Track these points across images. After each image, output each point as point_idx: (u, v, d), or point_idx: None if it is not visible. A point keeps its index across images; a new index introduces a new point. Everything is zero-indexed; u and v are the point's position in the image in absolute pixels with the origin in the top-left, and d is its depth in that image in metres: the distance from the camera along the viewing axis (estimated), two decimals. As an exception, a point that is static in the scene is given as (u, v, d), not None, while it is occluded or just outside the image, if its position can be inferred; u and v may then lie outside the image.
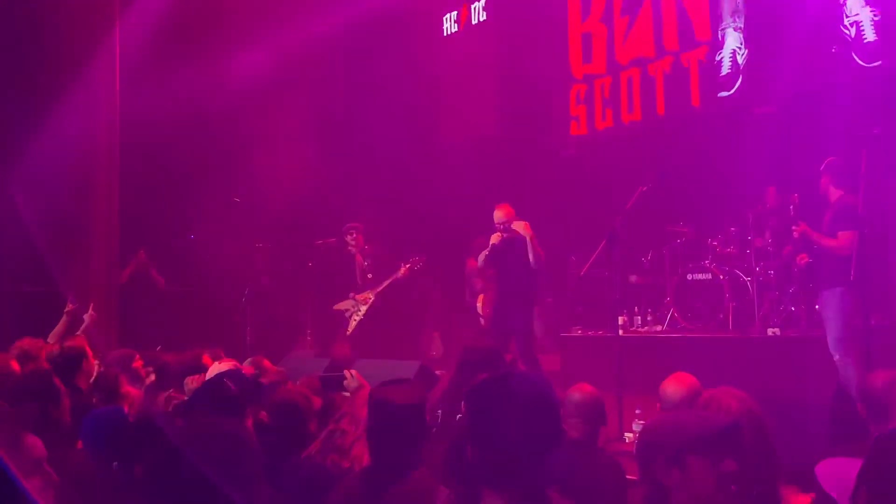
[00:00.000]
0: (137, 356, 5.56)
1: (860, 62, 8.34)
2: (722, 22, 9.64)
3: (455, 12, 12.91)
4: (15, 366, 4.78)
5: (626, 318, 9.36)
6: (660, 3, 10.28)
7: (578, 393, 3.89)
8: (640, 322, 9.48)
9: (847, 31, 8.43)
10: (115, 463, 2.84)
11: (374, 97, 12.20)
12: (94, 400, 4.62)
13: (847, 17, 8.42)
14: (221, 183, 11.38)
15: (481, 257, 7.69)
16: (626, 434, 5.59)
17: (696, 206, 9.48)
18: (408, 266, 9.21)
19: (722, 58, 9.64)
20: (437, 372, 6.51)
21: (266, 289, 11.12)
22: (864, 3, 8.30)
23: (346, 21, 13.01)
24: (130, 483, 2.87)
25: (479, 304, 9.89)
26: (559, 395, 4.04)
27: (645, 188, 6.15)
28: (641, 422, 5.21)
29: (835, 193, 6.42)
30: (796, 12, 8.89)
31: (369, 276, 9.43)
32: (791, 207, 6.61)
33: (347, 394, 4.13)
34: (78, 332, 6.50)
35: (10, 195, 9.51)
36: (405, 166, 12.14)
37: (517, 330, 7.37)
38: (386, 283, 9.28)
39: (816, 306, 6.70)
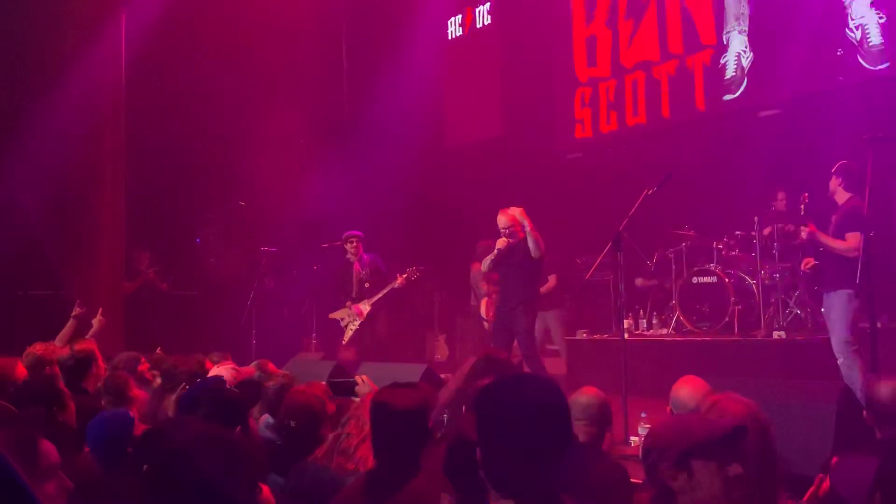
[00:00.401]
0: (143, 359, 5.57)
1: (865, 65, 8.34)
2: (726, 25, 9.64)
3: (460, 16, 12.93)
4: (21, 369, 4.79)
5: (631, 322, 9.36)
6: (664, 6, 10.29)
7: (584, 396, 3.88)
8: (645, 325, 9.48)
9: (852, 34, 8.42)
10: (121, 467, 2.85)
11: (380, 100, 12.21)
12: (102, 403, 4.64)
13: (852, 19, 8.42)
14: (227, 187, 11.41)
15: (485, 262, 7.69)
16: (632, 438, 5.58)
17: (702, 209, 9.48)
18: (405, 276, 9.24)
19: (727, 61, 9.65)
20: (442, 375, 6.53)
21: (271, 292, 11.14)
22: (869, 6, 8.30)
23: (352, 24, 13.07)
24: (136, 487, 2.88)
25: (482, 308, 9.89)
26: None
27: (650, 191, 6.14)
28: (647, 425, 5.20)
29: (843, 196, 6.42)
30: (801, 15, 8.89)
31: (367, 284, 9.46)
32: (802, 207, 6.60)
33: (357, 398, 4.13)
34: (87, 336, 6.52)
35: (16, 198, 9.55)
36: (410, 169, 12.15)
37: (520, 332, 7.37)
38: (382, 292, 9.32)
39: (822, 309, 6.69)
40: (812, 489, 2.94)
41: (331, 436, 3.52)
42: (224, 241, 11.70)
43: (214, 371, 5.13)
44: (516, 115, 11.91)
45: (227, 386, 4.27)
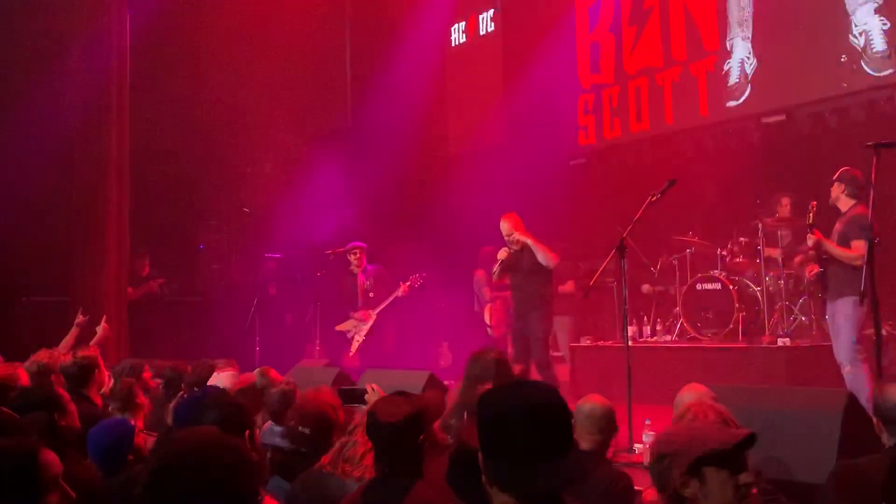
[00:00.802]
0: (147, 367, 5.57)
1: (869, 71, 8.33)
2: (730, 32, 9.64)
3: (463, 23, 12.96)
4: (23, 376, 4.79)
5: (635, 328, 9.34)
6: (668, 12, 10.30)
7: (589, 404, 3.88)
8: (649, 332, 9.46)
9: (856, 41, 8.42)
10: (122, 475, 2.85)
11: (383, 107, 12.22)
12: (108, 409, 4.65)
13: (856, 26, 8.42)
14: (231, 194, 11.43)
15: (495, 271, 7.72)
16: (636, 445, 5.57)
17: (706, 215, 9.47)
18: (408, 284, 9.25)
19: (730, 67, 9.65)
20: (446, 382, 6.52)
21: (275, 299, 11.14)
22: (873, 13, 8.29)
23: (355, 31, 13.09)
24: (135, 494, 2.87)
25: (486, 315, 9.89)
26: (569, 406, 4.04)
27: (654, 197, 6.13)
28: (651, 432, 5.18)
29: (847, 203, 6.40)
30: (805, 22, 8.90)
31: (371, 294, 9.47)
32: (810, 215, 6.58)
33: (366, 407, 4.12)
34: (91, 343, 6.52)
35: (21, 202, 9.57)
36: (414, 176, 12.16)
37: (533, 338, 7.37)
38: (386, 302, 9.34)
39: (826, 316, 6.66)
40: None
41: (337, 443, 3.52)
42: (228, 248, 11.71)
43: (215, 377, 5.14)
44: (520, 121, 11.91)
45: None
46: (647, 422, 5.56)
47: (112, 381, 5.16)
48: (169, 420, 4.47)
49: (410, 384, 5.03)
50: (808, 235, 6.46)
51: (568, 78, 11.57)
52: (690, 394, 3.65)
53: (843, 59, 8.51)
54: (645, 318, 9.60)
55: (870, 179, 5.18)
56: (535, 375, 7.12)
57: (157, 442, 3.02)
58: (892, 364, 6.52)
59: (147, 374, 5.52)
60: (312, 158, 11.63)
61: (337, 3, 12.94)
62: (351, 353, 9.49)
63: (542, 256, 7.31)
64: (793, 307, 8.23)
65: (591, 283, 6.59)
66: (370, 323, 9.39)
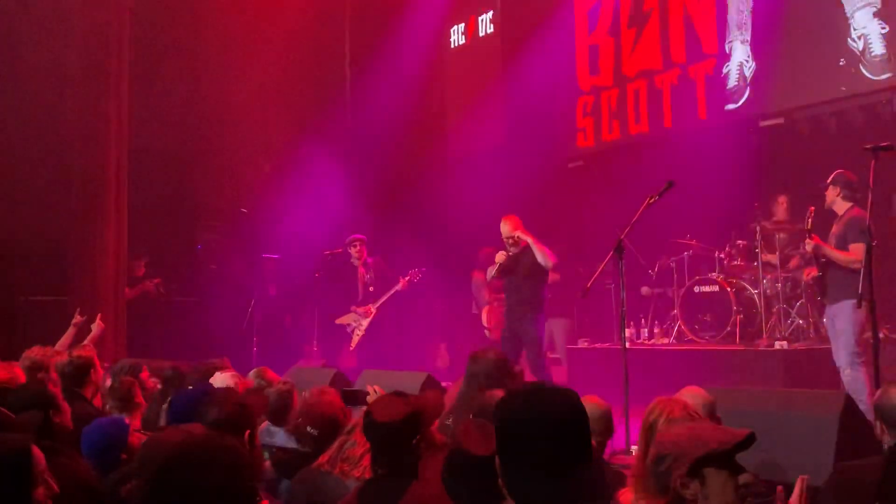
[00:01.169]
0: (145, 367, 5.57)
1: (867, 75, 8.34)
2: (729, 35, 9.65)
3: (462, 24, 12.96)
4: (20, 375, 4.79)
5: (633, 330, 9.35)
6: (667, 15, 10.30)
7: (586, 405, 3.87)
8: (647, 334, 9.47)
9: (854, 45, 8.43)
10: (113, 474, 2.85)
11: (382, 108, 12.23)
12: (107, 408, 4.64)
13: (854, 29, 8.43)
14: (229, 193, 11.42)
15: (490, 272, 7.72)
16: (633, 447, 5.56)
17: (704, 218, 9.47)
18: (407, 279, 9.23)
19: (729, 70, 9.66)
20: (444, 383, 6.51)
21: (273, 299, 11.14)
22: (871, 17, 8.30)
23: (354, 32, 13.10)
24: (128, 494, 2.87)
25: (483, 317, 9.89)
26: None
27: (652, 200, 6.13)
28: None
29: (843, 206, 6.40)
30: (804, 25, 8.91)
31: (371, 288, 9.45)
32: (808, 221, 6.60)
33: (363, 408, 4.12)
34: (86, 341, 6.52)
35: (19, 202, 9.57)
36: (412, 177, 12.16)
37: (527, 341, 7.37)
38: (386, 296, 9.31)
39: (825, 320, 6.67)
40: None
41: (336, 443, 3.52)
42: (225, 248, 11.70)
43: (215, 379, 5.12)
44: (518, 123, 11.92)
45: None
46: (644, 424, 5.56)
47: (109, 380, 5.15)
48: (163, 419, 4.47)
49: (408, 385, 5.02)
50: (807, 240, 6.46)
51: (567, 80, 11.57)
52: (688, 395, 3.64)
53: (841, 63, 8.51)
54: (643, 321, 9.61)
55: (867, 182, 5.19)
56: (529, 377, 7.12)
57: (146, 442, 3.00)
58: (890, 367, 6.51)
59: (145, 374, 5.51)
60: (311, 159, 11.62)
61: (336, 3, 12.94)
62: (351, 347, 9.47)
63: (541, 256, 7.32)
64: (790, 310, 8.24)
65: (589, 284, 6.58)
66: (370, 317, 9.38)
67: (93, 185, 9.71)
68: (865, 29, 8.33)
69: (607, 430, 3.85)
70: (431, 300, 11.70)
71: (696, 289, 8.82)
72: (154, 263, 10.69)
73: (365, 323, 9.40)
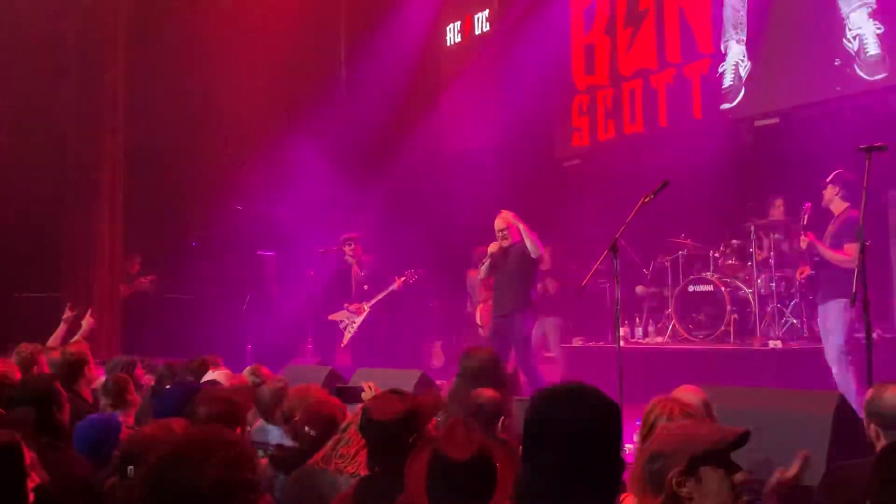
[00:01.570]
0: (139, 363, 5.57)
1: (863, 75, 8.35)
2: (725, 34, 9.66)
3: (458, 22, 12.95)
4: (17, 371, 4.79)
5: (627, 329, 9.36)
6: (663, 15, 10.31)
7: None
8: (641, 333, 9.48)
9: (850, 45, 8.44)
10: (131, 468, 2.84)
11: (377, 106, 12.22)
12: (101, 405, 4.64)
13: (850, 30, 8.44)
14: (224, 190, 11.40)
15: (482, 269, 7.71)
16: (626, 445, 5.57)
17: (698, 217, 9.49)
18: (402, 279, 9.22)
19: (724, 70, 9.66)
20: (438, 382, 6.52)
21: (267, 297, 11.12)
22: (867, 17, 8.31)
23: (349, 30, 13.08)
24: (123, 490, 2.87)
25: (478, 315, 9.89)
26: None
27: (647, 199, 6.13)
28: (642, 433, 5.19)
29: (840, 206, 6.42)
30: (799, 25, 8.92)
31: (365, 287, 9.44)
32: (805, 217, 6.61)
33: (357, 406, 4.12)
34: (76, 337, 6.51)
35: (14, 198, 9.55)
36: (408, 176, 12.15)
37: (515, 339, 7.36)
38: (380, 295, 9.30)
39: (818, 319, 6.69)
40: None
41: (331, 440, 3.52)
42: (220, 245, 11.68)
43: (209, 376, 5.12)
44: (514, 122, 11.90)
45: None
46: (638, 422, 5.57)
47: (105, 376, 5.15)
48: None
49: (401, 383, 5.02)
50: (801, 237, 6.48)
51: (562, 79, 11.57)
52: (684, 394, 3.64)
53: (837, 63, 8.52)
54: (637, 320, 9.62)
55: (862, 182, 5.20)
56: (521, 376, 7.12)
57: (130, 437, 3.00)
58: (882, 367, 6.53)
59: (139, 371, 5.51)
60: (306, 157, 11.61)
61: (331, 2, 12.93)
62: (343, 344, 9.46)
63: (531, 245, 7.31)
64: (784, 309, 8.25)
65: (584, 283, 6.59)
66: (363, 315, 9.37)
67: (87, 182, 9.71)
68: (861, 29, 8.34)
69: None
70: (426, 298, 11.70)
71: (691, 288, 8.83)
72: (148, 260, 10.68)
73: (357, 321, 9.39)
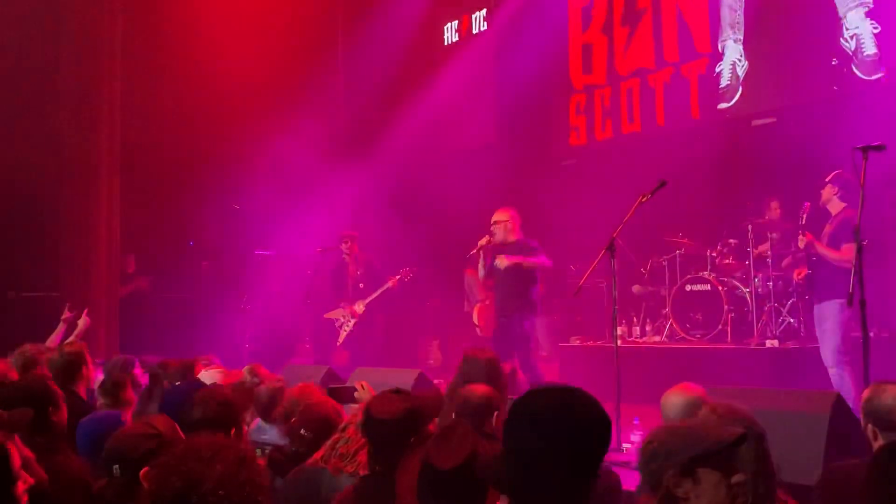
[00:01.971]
0: (137, 363, 5.56)
1: (860, 75, 8.37)
2: (722, 34, 9.67)
3: (456, 22, 12.94)
4: (13, 371, 4.79)
5: (624, 329, 9.37)
6: (660, 14, 10.32)
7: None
8: (638, 332, 9.48)
9: (847, 44, 8.45)
10: (116, 467, 2.84)
11: (375, 105, 12.22)
12: (98, 404, 4.64)
13: (847, 29, 8.45)
14: (221, 190, 11.40)
15: (479, 268, 7.71)
16: (624, 445, 5.58)
17: (696, 217, 9.50)
18: (397, 278, 9.22)
19: (722, 70, 9.67)
20: (435, 381, 6.52)
21: (266, 296, 11.12)
22: (864, 16, 8.32)
23: (347, 29, 13.08)
24: (111, 489, 2.87)
25: (474, 314, 9.89)
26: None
27: (644, 198, 6.14)
28: (640, 432, 5.20)
29: (838, 206, 6.43)
30: (796, 25, 8.93)
31: (361, 285, 9.43)
32: (803, 216, 6.62)
33: (356, 405, 4.12)
34: (71, 338, 6.50)
35: (11, 197, 9.54)
36: (405, 174, 12.15)
37: (516, 340, 7.37)
38: (375, 294, 9.29)
39: (815, 318, 6.69)
40: None
41: (330, 440, 3.52)
42: (217, 245, 11.68)
43: (202, 375, 5.13)
44: (512, 121, 11.91)
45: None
46: (636, 421, 5.59)
47: (102, 376, 5.15)
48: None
49: (400, 382, 5.02)
50: (800, 237, 6.49)
51: (560, 78, 11.58)
52: (679, 394, 3.64)
53: (834, 63, 8.54)
54: (634, 319, 9.63)
55: (860, 182, 5.21)
56: (520, 375, 7.12)
57: (116, 436, 3.00)
58: (879, 367, 6.53)
59: (137, 370, 5.51)
60: (303, 156, 11.61)
61: (329, 1, 12.92)
62: (339, 343, 9.45)
63: (535, 268, 7.35)
64: (781, 309, 8.26)
65: (581, 282, 6.60)
66: (358, 315, 9.36)
67: (85, 181, 9.70)
68: (858, 29, 8.36)
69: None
70: (424, 298, 11.71)
71: (688, 287, 8.84)
72: (145, 260, 10.68)
73: (353, 319, 9.39)
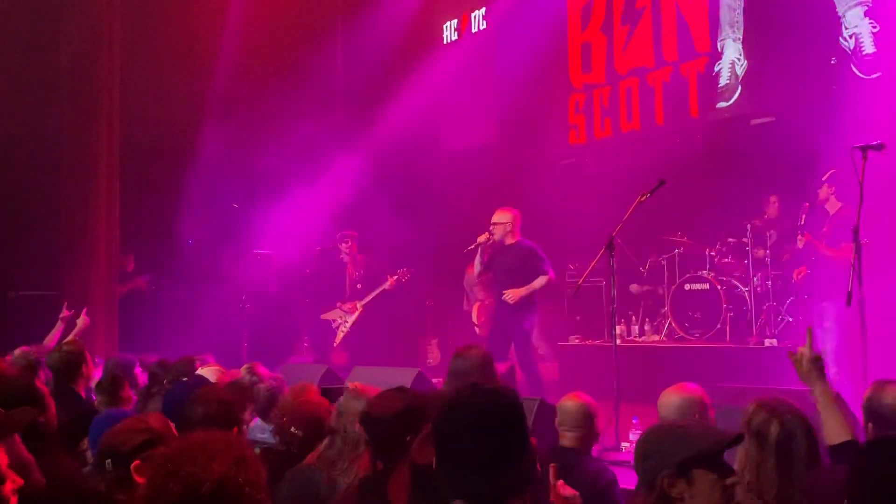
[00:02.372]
0: (137, 362, 5.57)
1: (859, 74, 8.37)
2: (721, 33, 9.66)
3: (455, 20, 12.93)
4: (8, 371, 4.77)
5: (623, 328, 9.37)
6: (660, 13, 10.31)
7: (569, 402, 3.89)
8: (637, 331, 9.49)
9: (846, 43, 8.45)
10: (109, 461, 2.84)
11: (374, 104, 12.21)
12: (96, 402, 4.63)
13: (846, 28, 8.45)
14: (220, 189, 11.39)
15: (476, 263, 7.70)
16: (623, 444, 5.59)
17: (695, 216, 9.50)
18: (395, 278, 9.21)
19: (721, 69, 9.67)
20: (434, 380, 6.52)
21: (263, 295, 11.11)
22: (863, 15, 8.32)
23: (347, 28, 13.07)
24: (105, 485, 2.86)
25: (473, 313, 9.89)
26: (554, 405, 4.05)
27: (643, 197, 6.15)
28: (638, 431, 5.20)
29: (836, 205, 6.44)
30: (795, 24, 8.92)
31: (359, 285, 9.43)
32: (803, 217, 6.63)
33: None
34: (69, 337, 6.50)
35: (10, 196, 9.53)
36: (405, 173, 12.15)
37: (516, 338, 7.37)
38: (373, 294, 9.29)
39: (814, 317, 6.70)
40: None
41: (324, 441, 3.51)
42: (216, 244, 11.67)
43: (200, 373, 5.13)
44: (511, 120, 11.91)
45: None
46: (635, 420, 5.59)
47: (102, 374, 5.15)
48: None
49: (398, 381, 5.01)
50: (799, 236, 6.50)
51: (559, 77, 11.57)
52: (676, 394, 3.64)
53: (833, 62, 8.54)
54: (633, 318, 9.64)
55: (858, 181, 5.21)
56: (519, 374, 7.13)
57: (106, 433, 2.99)
58: (878, 365, 6.54)
59: (137, 370, 5.51)
60: (302, 155, 11.60)
61: (328, 2, 12.91)
62: (336, 343, 9.45)
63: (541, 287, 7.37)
64: (780, 308, 8.27)
65: (580, 281, 6.61)
66: (356, 314, 9.36)
67: (84, 180, 9.69)
68: (857, 28, 8.36)
69: (589, 424, 3.84)
70: (423, 296, 11.70)
71: (687, 286, 8.84)
72: (144, 259, 10.66)
73: (350, 319, 9.38)
